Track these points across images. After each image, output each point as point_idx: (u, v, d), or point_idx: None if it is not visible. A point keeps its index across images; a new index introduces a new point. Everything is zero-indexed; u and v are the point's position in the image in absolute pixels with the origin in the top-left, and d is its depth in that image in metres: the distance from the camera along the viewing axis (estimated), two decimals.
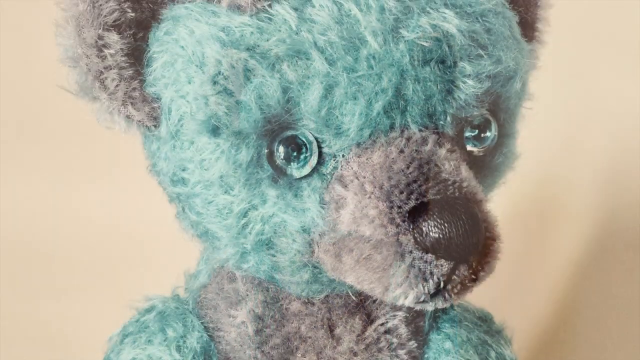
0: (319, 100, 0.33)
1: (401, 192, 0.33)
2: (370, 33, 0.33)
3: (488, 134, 0.38)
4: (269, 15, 0.34)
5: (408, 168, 0.34)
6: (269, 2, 0.34)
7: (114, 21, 0.36)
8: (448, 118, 0.35)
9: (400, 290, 0.33)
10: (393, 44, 0.34)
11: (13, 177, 0.94)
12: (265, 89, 0.33)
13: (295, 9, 0.34)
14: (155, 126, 0.38)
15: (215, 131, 0.35)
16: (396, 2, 0.34)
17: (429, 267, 0.33)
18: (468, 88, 0.35)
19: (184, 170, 0.37)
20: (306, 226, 0.35)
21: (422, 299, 0.33)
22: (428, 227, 0.32)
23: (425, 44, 0.34)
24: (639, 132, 0.84)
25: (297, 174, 0.35)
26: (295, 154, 0.35)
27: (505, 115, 0.39)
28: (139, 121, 0.38)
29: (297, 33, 0.33)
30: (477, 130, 0.38)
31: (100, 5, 0.35)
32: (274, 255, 0.37)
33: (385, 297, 0.34)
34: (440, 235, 0.32)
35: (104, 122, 0.38)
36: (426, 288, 0.33)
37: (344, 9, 0.34)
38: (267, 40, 0.33)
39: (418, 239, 0.32)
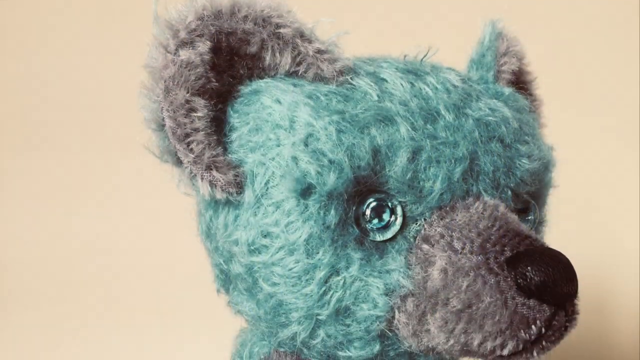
0: (406, 163, 0.35)
1: (494, 245, 0.34)
2: (443, 107, 0.36)
3: (530, 217, 0.40)
4: (352, 86, 0.36)
5: (493, 226, 0.35)
6: (351, 75, 0.37)
7: (199, 87, 0.36)
8: (509, 192, 0.38)
9: (499, 340, 0.33)
10: (463, 119, 0.36)
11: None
12: (357, 149, 0.34)
13: (375, 82, 0.36)
14: (237, 192, 0.37)
15: (305, 193, 0.35)
16: (457, 87, 0.38)
17: (532, 313, 0.33)
18: (523, 165, 0.38)
19: (265, 236, 0.36)
20: (390, 288, 0.35)
21: (520, 347, 0.33)
22: (532, 272, 0.32)
23: (491, 118, 0.37)
24: None
25: (382, 236, 0.35)
26: (381, 217, 0.35)
27: (541, 202, 0.42)
28: (223, 186, 0.37)
29: (380, 102, 0.35)
30: (520, 214, 0.39)
31: (189, 70, 0.35)
32: (348, 326, 0.36)
33: (481, 348, 0.34)
34: (546, 278, 0.32)
35: (184, 187, 0.38)
36: (527, 335, 0.33)
37: (415, 87, 0.37)
38: (355, 107, 0.35)
39: (522, 284, 0.33)
